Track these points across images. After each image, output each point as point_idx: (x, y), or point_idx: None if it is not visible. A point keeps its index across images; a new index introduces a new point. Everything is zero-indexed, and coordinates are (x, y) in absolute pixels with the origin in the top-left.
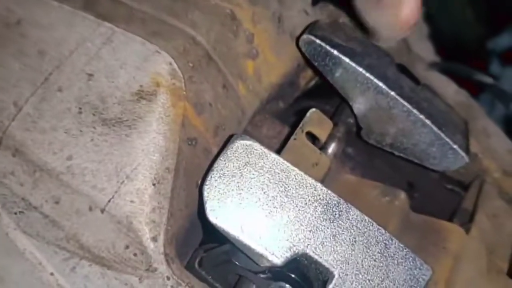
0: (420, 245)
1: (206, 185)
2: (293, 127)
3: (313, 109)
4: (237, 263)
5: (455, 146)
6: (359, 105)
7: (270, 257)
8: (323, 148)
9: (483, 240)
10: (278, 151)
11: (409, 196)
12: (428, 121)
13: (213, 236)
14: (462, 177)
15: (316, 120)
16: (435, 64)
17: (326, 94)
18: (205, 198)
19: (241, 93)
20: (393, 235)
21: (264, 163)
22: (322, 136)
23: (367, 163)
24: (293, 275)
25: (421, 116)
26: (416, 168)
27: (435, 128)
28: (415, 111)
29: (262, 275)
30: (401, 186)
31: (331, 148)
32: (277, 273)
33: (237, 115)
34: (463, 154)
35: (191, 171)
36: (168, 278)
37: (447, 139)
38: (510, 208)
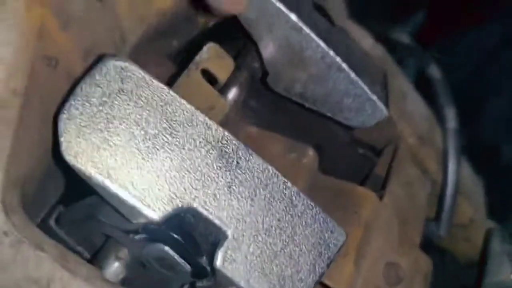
0: (329, 210)
1: (64, 113)
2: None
3: (211, 43)
4: (103, 219)
5: (373, 97)
6: (267, 44)
7: (145, 211)
8: (221, 91)
9: (396, 209)
10: None
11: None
12: (344, 65)
13: (75, 186)
14: (374, 142)
15: (214, 57)
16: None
17: (230, 35)
18: (61, 131)
19: (121, 9)
20: None
21: (143, 92)
22: (221, 75)
23: (271, 121)
24: (174, 235)
25: (338, 59)
26: (326, 129)
27: (352, 74)
28: (331, 52)
29: (135, 236)
30: None
31: (232, 93)
32: (154, 232)
33: (114, 39)
34: (382, 106)
35: (49, 99)
36: (6, 234)
37: (365, 88)
38: (424, 177)
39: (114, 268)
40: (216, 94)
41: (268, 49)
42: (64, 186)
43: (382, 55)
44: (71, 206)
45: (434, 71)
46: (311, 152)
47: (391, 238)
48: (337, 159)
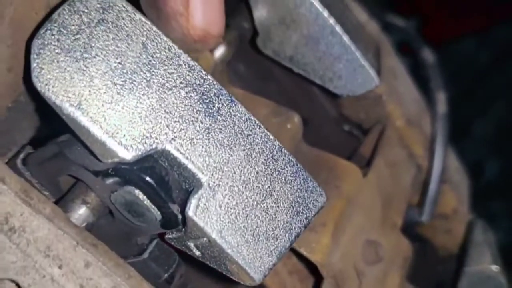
0: None
1: (38, 38)
2: None
3: None
4: (72, 158)
5: (366, 64)
6: (259, 2)
7: (117, 148)
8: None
9: (380, 187)
10: None
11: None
12: (338, 28)
13: (47, 128)
14: (362, 121)
15: None
16: None
17: None
18: (34, 56)
19: None
20: None
21: (125, 24)
22: None
23: (259, 87)
24: (146, 177)
25: (331, 20)
26: (313, 103)
27: (345, 38)
28: (325, 13)
29: (104, 180)
30: None
31: (218, 51)
32: (125, 173)
33: None
34: (373, 74)
35: (23, 23)
36: None
37: (358, 54)
38: (409, 160)
39: (80, 212)
40: None
41: (259, 6)
42: (36, 130)
43: (376, 33)
44: (41, 148)
45: (427, 55)
46: (296, 118)
47: (373, 216)
48: (322, 134)
